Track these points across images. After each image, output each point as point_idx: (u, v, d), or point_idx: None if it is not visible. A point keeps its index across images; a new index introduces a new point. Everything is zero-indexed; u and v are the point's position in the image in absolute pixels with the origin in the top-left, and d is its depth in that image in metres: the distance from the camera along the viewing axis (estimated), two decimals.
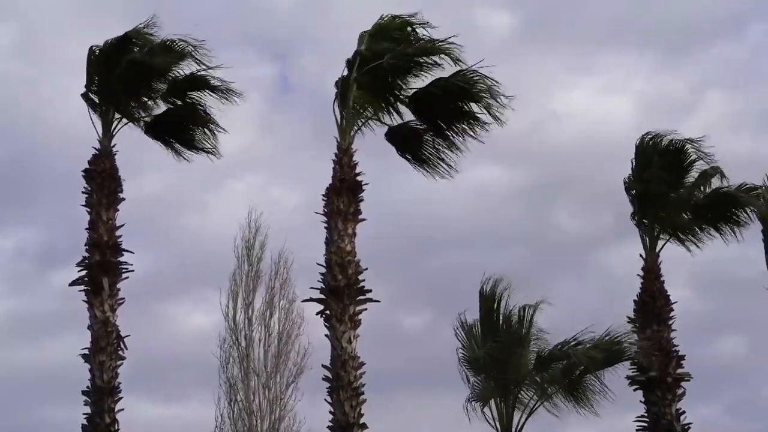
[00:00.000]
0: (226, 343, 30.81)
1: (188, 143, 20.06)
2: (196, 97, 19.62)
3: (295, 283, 31.51)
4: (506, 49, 42.93)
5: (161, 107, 19.79)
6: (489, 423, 18.83)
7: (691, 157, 20.35)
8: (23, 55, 40.65)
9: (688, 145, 20.21)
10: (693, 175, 20.50)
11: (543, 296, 19.30)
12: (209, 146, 19.98)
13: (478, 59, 18.32)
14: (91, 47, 19.17)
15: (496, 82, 18.19)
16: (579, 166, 40.52)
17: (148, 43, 18.98)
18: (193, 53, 18.92)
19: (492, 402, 18.92)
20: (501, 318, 19.27)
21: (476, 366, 19.00)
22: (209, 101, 19.54)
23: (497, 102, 18.31)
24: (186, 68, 19.25)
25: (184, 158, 20.16)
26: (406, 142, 19.60)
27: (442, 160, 19.55)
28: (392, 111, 19.31)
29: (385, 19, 18.70)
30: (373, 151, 19.39)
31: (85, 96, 19.24)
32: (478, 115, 18.79)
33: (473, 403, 18.86)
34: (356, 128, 18.83)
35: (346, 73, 18.67)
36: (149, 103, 19.58)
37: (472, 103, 18.72)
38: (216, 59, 18.98)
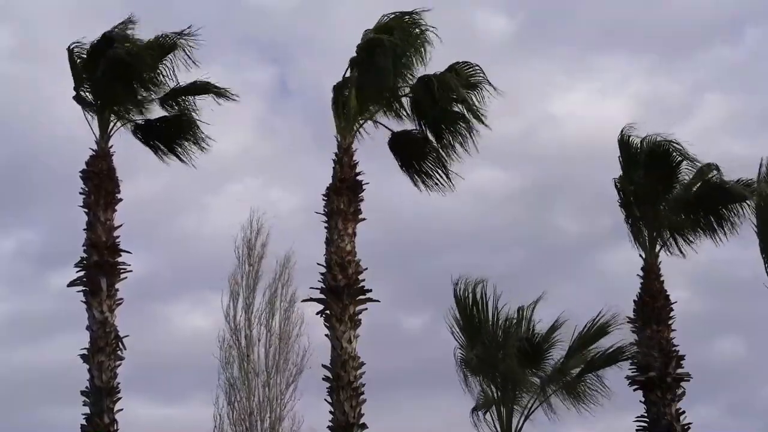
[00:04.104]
0: (226, 343, 30.84)
1: (174, 151, 19.98)
2: (190, 102, 19.64)
3: (296, 284, 31.57)
4: (504, 51, 43.08)
5: (157, 112, 19.82)
6: (489, 428, 18.90)
7: (678, 159, 20.17)
8: (22, 56, 40.66)
9: (672, 147, 20.03)
10: (685, 175, 20.34)
11: (542, 296, 19.40)
12: (192, 156, 19.97)
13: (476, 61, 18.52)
14: (70, 46, 19.07)
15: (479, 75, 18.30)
16: (577, 168, 40.55)
17: (133, 42, 18.94)
18: (180, 45, 18.96)
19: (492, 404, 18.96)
20: (490, 320, 19.20)
21: (471, 366, 19.01)
22: (206, 106, 19.62)
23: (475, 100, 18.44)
24: (175, 65, 19.27)
25: (166, 162, 20.10)
26: (407, 152, 19.53)
27: (444, 173, 19.53)
28: (392, 111, 19.31)
29: (389, 18, 18.63)
30: (373, 150, 19.46)
31: (77, 97, 19.23)
32: (465, 115, 18.85)
33: (478, 412, 18.89)
34: (357, 128, 18.84)
35: (348, 73, 18.68)
36: (142, 100, 19.53)
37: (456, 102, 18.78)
38: (205, 57, 19.12)
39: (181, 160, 19.95)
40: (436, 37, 18.53)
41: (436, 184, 19.61)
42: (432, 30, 18.53)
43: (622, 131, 20.12)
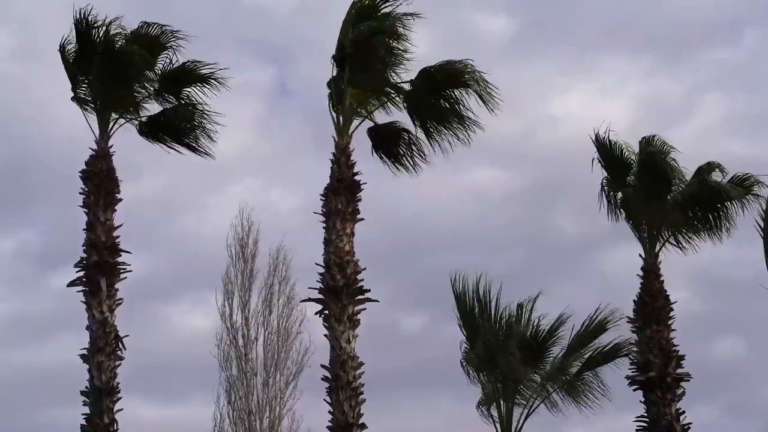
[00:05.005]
0: (224, 343, 30.70)
1: (183, 143, 19.90)
2: (190, 93, 19.58)
3: (294, 280, 31.38)
4: (503, 52, 43.08)
5: (155, 108, 19.77)
6: (494, 423, 18.91)
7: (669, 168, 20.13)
8: (22, 56, 40.67)
9: (659, 156, 19.96)
10: (682, 175, 20.30)
11: (540, 292, 19.42)
12: (205, 147, 19.91)
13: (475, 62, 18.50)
14: (62, 45, 18.92)
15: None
16: (577, 168, 40.44)
17: (120, 35, 18.92)
18: (170, 38, 18.97)
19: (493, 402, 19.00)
20: (493, 317, 19.20)
21: (473, 363, 19.03)
22: (203, 97, 19.55)
23: (485, 90, 18.44)
24: (170, 57, 19.29)
25: (179, 152, 20.01)
26: (383, 139, 19.57)
27: (412, 156, 19.55)
28: (388, 107, 19.31)
29: (360, 3, 18.57)
30: (371, 150, 19.43)
31: (75, 98, 19.20)
32: (464, 112, 18.82)
33: (483, 407, 18.93)
34: (354, 127, 18.83)
35: (336, 71, 18.64)
36: (141, 100, 19.52)
37: (458, 92, 18.72)
38: (205, 57, 19.10)
39: (194, 151, 19.86)
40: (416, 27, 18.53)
41: (405, 166, 19.65)
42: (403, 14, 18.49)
43: (596, 135, 20.16)
